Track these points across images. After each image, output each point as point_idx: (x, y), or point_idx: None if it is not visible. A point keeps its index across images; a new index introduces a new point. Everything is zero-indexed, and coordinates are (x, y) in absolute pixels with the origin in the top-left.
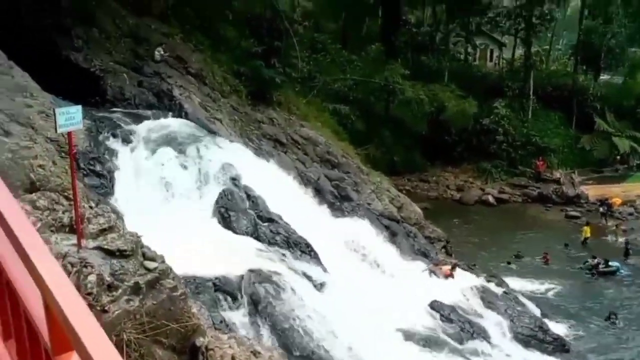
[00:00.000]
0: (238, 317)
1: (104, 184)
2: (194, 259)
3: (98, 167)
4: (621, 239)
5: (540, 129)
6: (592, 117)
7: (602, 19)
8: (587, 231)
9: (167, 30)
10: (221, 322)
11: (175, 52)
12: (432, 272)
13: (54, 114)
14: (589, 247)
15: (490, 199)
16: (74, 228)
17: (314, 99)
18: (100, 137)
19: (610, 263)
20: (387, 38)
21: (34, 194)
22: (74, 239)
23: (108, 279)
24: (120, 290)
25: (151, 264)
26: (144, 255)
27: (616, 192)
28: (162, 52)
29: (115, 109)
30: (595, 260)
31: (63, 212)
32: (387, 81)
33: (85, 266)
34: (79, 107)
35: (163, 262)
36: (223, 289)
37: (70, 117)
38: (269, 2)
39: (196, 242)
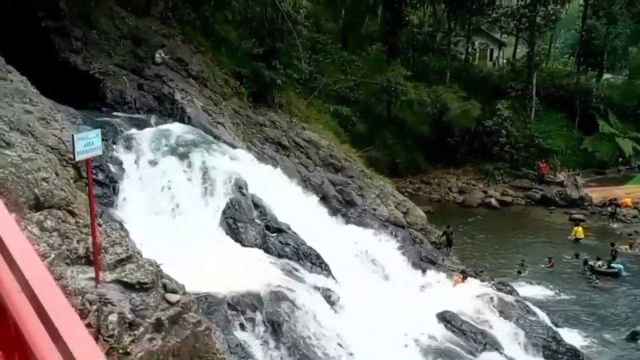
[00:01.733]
0: (252, 338)
1: (107, 194)
2: (204, 274)
3: (100, 176)
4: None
5: (543, 130)
6: (595, 118)
7: (606, 19)
8: (578, 232)
9: (167, 32)
10: (237, 345)
11: (176, 54)
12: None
13: (73, 141)
14: (588, 248)
15: (493, 201)
16: (90, 259)
17: (314, 100)
18: (102, 145)
19: (612, 265)
20: (388, 38)
21: (39, 213)
22: (90, 272)
23: (129, 316)
24: (142, 329)
25: (173, 297)
26: (164, 287)
27: (619, 194)
28: (162, 55)
29: (116, 114)
30: (598, 262)
31: (78, 242)
32: (390, 82)
33: (105, 304)
34: (98, 131)
35: (184, 293)
36: (236, 308)
37: (89, 143)
38: (270, 2)
39: (205, 256)
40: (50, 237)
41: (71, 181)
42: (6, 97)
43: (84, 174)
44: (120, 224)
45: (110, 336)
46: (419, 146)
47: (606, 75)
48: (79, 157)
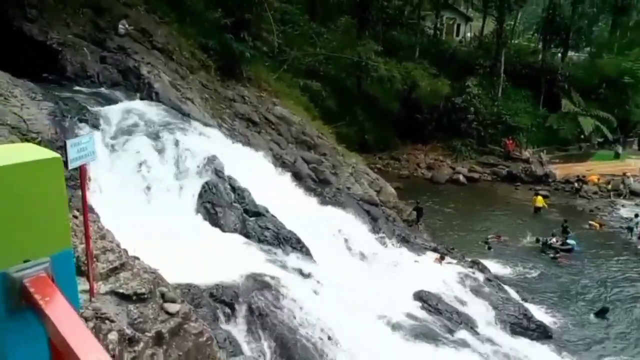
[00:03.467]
0: (238, 331)
1: (74, 176)
2: (184, 264)
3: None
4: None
5: (510, 107)
6: (560, 96)
7: None
8: (538, 201)
9: (129, 1)
10: (225, 339)
11: (140, 25)
12: None
13: (65, 147)
14: (552, 222)
15: (461, 178)
16: (81, 269)
17: (283, 74)
18: (67, 123)
19: (567, 241)
20: (358, 11)
21: None
22: (83, 283)
23: (128, 331)
24: (142, 344)
25: (172, 307)
26: (163, 296)
27: (581, 171)
28: (126, 26)
29: (77, 88)
30: (552, 239)
31: None
32: (361, 57)
33: (103, 320)
34: (91, 135)
35: (183, 301)
36: (221, 299)
37: (83, 149)
38: None
39: (184, 243)
40: None
41: None
42: None
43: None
44: (93, 211)
45: (112, 357)
46: (389, 122)
47: (570, 53)
48: (72, 165)
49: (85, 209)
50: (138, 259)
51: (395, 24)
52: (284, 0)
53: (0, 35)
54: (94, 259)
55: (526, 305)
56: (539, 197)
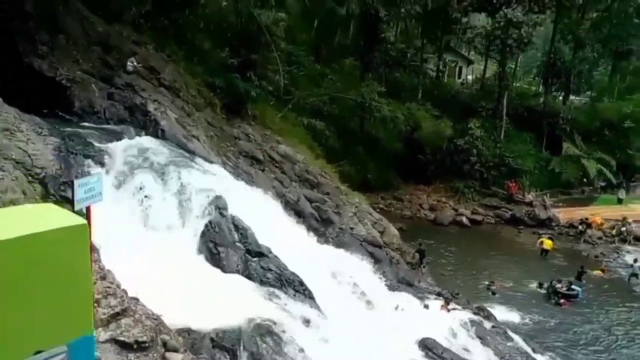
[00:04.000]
0: None
1: (77, 213)
2: (185, 306)
3: (69, 193)
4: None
5: (513, 150)
6: (562, 139)
7: (574, 43)
8: (547, 244)
9: (138, 39)
10: None
11: (148, 63)
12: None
13: (72, 188)
14: (556, 267)
15: (465, 220)
16: None
17: (288, 113)
18: (71, 159)
19: (572, 287)
20: (363, 53)
21: None
22: None
23: None
24: None
25: (174, 357)
26: (165, 344)
27: (584, 215)
28: (134, 63)
29: (84, 124)
30: (559, 284)
31: None
32: (364, 98)
33: None
34: (99, 176)
35: (186, 350)
36: (221, 345)
37: (90, 189)
38: (246, 13)
39: (184, 284)
40: None
41: (37, 198)
42: None
43: (52, 191)
44: (95, 250)
45: None
46: (391, 162)
47: (571, 97)
48: (78, 206)
49: (90, 254)
50: (138, 300)
51: (398, 66)
52: (290, 42)
53: (10, 70)
54: (95, 304)
55: (534, 355)
56: (549, 241)
